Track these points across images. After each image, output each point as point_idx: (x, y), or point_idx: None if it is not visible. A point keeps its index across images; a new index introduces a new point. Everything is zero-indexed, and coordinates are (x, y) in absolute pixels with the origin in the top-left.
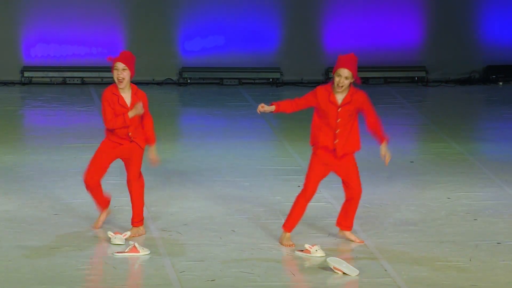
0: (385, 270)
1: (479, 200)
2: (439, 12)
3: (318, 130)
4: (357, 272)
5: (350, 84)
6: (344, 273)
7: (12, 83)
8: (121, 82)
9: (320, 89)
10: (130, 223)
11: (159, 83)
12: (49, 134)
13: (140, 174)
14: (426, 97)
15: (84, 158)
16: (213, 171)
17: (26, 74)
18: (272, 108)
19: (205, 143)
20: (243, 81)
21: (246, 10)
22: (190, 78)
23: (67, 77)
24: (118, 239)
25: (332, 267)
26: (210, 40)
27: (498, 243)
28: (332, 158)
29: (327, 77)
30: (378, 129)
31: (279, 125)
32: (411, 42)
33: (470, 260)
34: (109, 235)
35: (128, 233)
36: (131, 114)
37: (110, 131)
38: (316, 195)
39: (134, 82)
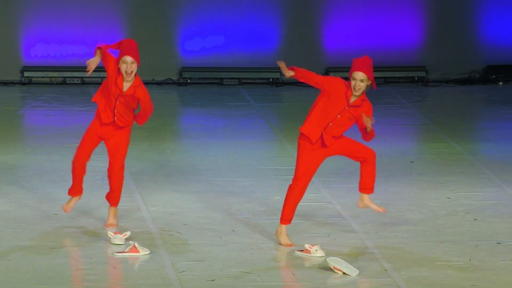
0: (385, 270)
1: (479, 200)
2: (439, 12)
3: (314, 118)
4: (357, 272)
5: (366, 87)
6: (344, 273)
7: (12, 83)
8: (129, 75)
9: (342, 81)
10: (111, 204)
11: (159, 83)
12: (49, 134)
13: (123, 166)
14: (426, 97)
15: None
16: (213, 171)
17: (26, 74)
18: (291, 73)
19: (205, 143)
20: (243, 81)
21: (246, 10)
22: (190, 78)
23: (67, 77)
24: (118, 239)
25: (332, 267)
26: (210, 40)
27: (498, 243)
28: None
29: None
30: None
31: (279, 125)
32: (411, 42)
33: (470, 260)
34: (109, 235)
35: (128, 233)
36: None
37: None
38: (315, 195)
39: None
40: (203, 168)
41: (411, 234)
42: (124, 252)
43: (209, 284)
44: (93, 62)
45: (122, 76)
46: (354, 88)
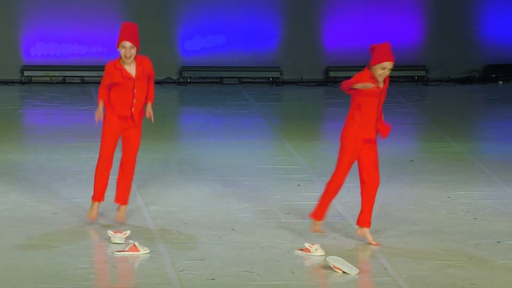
0: (385, 269)
1: (479, 199)
2: (439, 11)
3: (365, 122)
4: (357, 271)
5: None
6: (344, 272)
7: (12, 82)
8: (128, 58)
9: (364, 75)
10: (119, 202)
11: (159, 82)
12: (49, 133)
13: (136, 155)
14: (426, 96)
15: (83, 157)
16: (213, 170)
17: (26, 73)
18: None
19: (205, 142)
20: (243, 80)
21: (246, 9)
22: (190, 77)
23: (67, 76)
24: (118, 238)
25: (332, 266)
26: (210, 39)
27: (498, 242)
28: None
29: (327, 76)
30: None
31: (279, 124)
32: (411, 41)
33: (470, 259)
34: (109, 234)
35: (128, 232)
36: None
37: (112, 108)
38: (316, 194)
39: None
40: (203, 167)
41: (411, 233)
42: (124, 251)
43: (209, 283)
44: (100, 112)
45: (123, 68)
46: (380, 76)
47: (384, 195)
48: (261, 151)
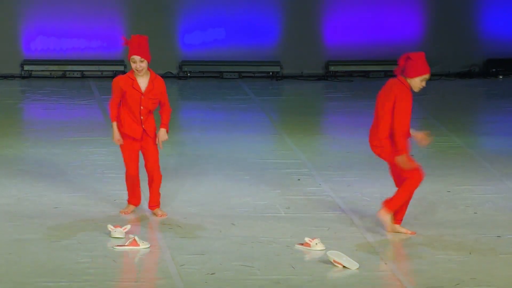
0: (385, 264)
1: (479, 193)
2: (439, 6)
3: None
4: (357, 265)
5: None
6: (344, 266)
7: (12, 77)
8: (140, 71)
9: (401, 85)
10: (153, 207)
11: None
12: (49, 128)
13: (158, 164)
14: (426, 91)
15: (84, 151)
16: (213, 164)
17: (26, 67)
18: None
19: (205, 137)
20: (243, 74)
21: (246, 4)
22: (190, 72)
23: (67, 70)
24: (118, 232)
25: (332, 261)
26: (210, 33)
27: (498, 236)
28: None
29: (327, 71)
30: None
31: (279, 119)
32: (411, 36)
33: (470, 254)
34: (109, 229)
35: (128, 227)
36: (115, 133)
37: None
38: (316, 189)
39: None
40: (202, 161)
41: (411, 227)
42: (124, 245)
43: (209, 278)
44: (118, 136)
45: (135, 79)
46: (417, 87)
47: (384, 189)
48: (261, 145)
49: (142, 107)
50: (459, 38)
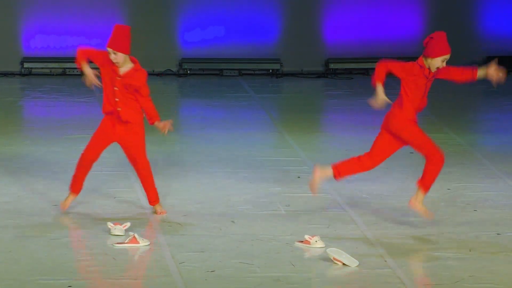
0: (385, 261)
1: (479, 191)
2: (438, 3)
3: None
4: (357, 263)
5: None
6: (344, 264)
7: (12, 74)
8: (116, 63)
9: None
10: (152, 203)
11: (159, 74)
12: (49, 125)
13: (146, 163)
14: None
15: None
16: (213, 162)
17: (26, 65)
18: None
19: (205, 134)
20: (243, 72)
21: (246, 1)
22: (190, 69)
23: (67, 68)
24: (118, 230)
25: (332, 258)
26: (210, 31)
27: (497, 234)
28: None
29: (327, 68)
30: None
31: (279, 116)
32: (411, 34)
33: (470, 251)
34: (109, 226)
35: (128, 224)
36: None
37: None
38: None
39: None
40: (202, 159)
41: (411, 225)
42: (124, 243)
43: (209, 275)
44: (90, 76)
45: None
46: (436, 67)
47: (384, 187)
48: (261, 143)
49: (116, 88)
50: (459, 36)
